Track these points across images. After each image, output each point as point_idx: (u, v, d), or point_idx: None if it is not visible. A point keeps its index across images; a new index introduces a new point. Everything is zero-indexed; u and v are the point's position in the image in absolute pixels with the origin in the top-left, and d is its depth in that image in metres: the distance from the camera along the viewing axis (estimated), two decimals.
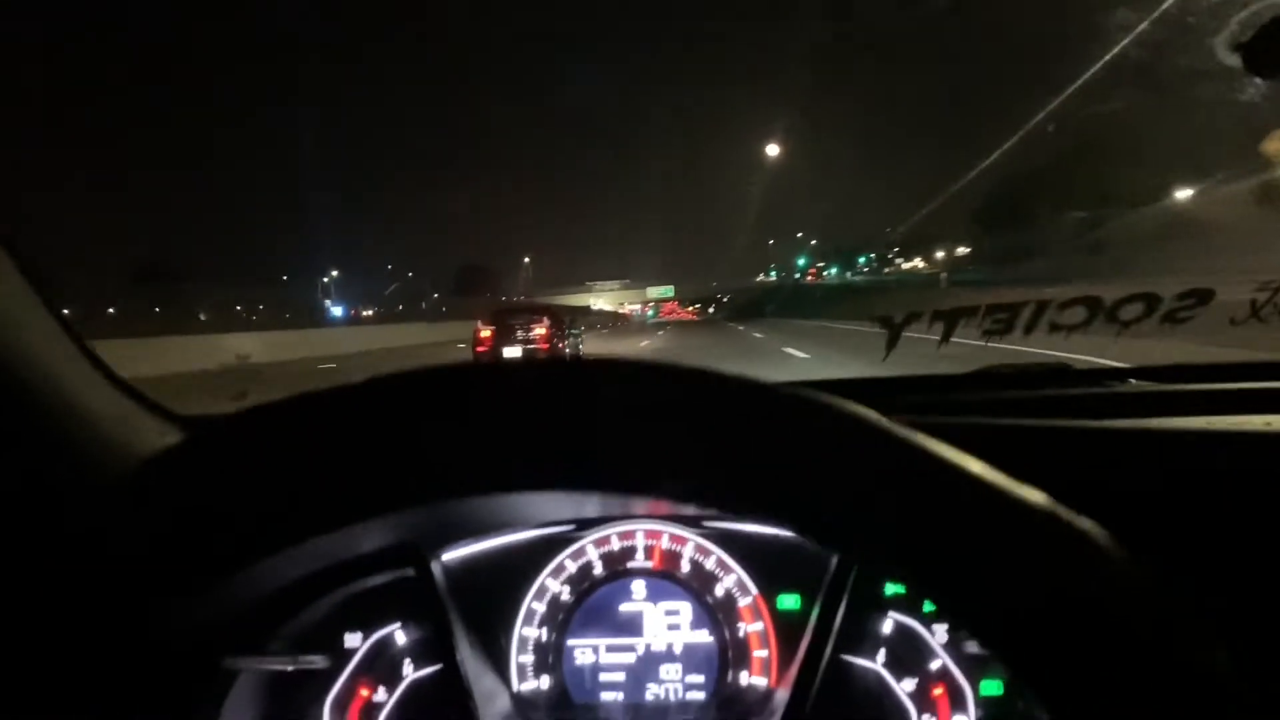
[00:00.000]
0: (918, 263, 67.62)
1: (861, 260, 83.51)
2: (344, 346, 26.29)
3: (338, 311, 67.71)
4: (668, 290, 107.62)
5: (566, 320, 16.14)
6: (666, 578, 0.98)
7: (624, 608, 0.98)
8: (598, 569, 0.98)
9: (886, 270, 73.59)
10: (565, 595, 0.98)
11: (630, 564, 0.98)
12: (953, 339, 1.34)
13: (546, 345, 13.92)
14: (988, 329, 1.30)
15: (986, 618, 0.44)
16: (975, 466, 0.47)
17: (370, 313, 72.05)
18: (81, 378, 0.80)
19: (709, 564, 0.97)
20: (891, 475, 0.47)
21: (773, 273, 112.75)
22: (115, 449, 0.81)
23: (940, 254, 62.45)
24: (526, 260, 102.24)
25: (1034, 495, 0.46)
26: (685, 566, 0.98)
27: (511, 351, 13.40)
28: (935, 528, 0.46)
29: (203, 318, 47.04)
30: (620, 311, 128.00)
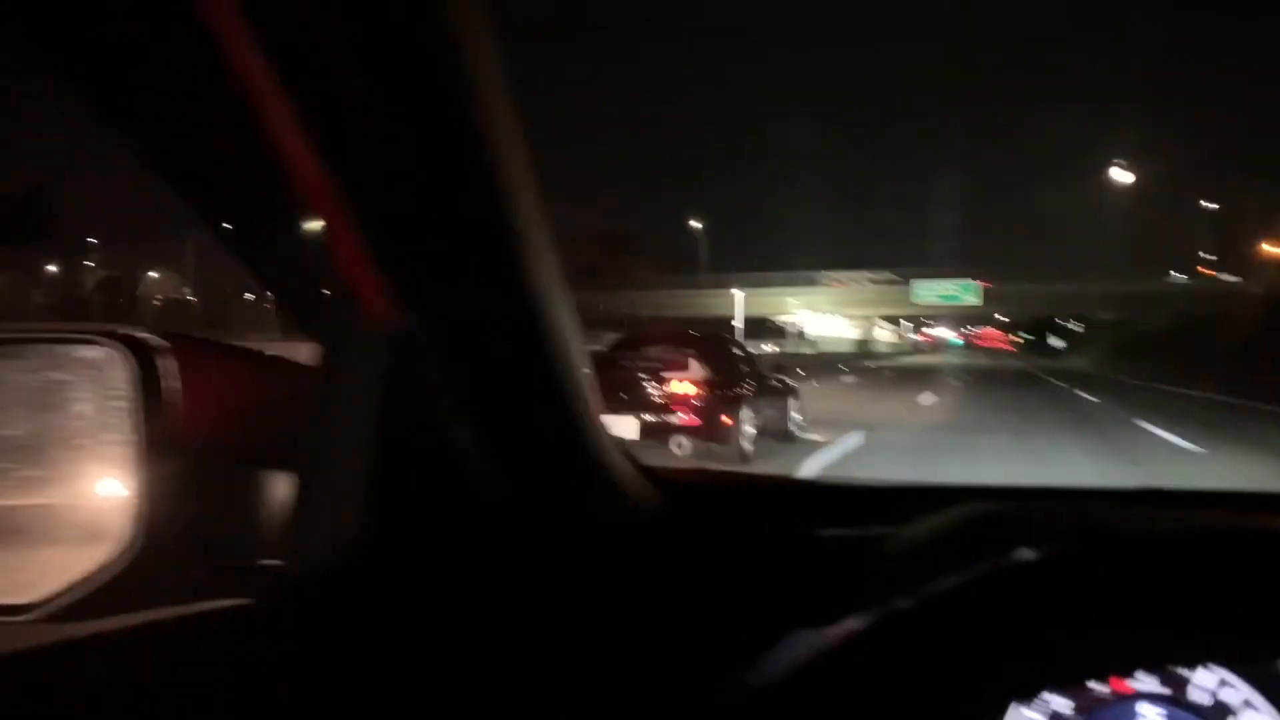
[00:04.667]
0: None
1: None
2: None
3: None
4: (962, 290, 47.65)
5: (747, 362, 8.39)
6: (1178, 704, 0.85)
7: None
8: (1102, 688, 0.87)
9: None
10: (1067, 710, 0.85)
11: (1136, 685, 0.86)
12: None
13: (699, 421, 7.12)
14: None
15: None
16: None
17: None
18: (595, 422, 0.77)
19: (1227, 696, 0.83)
20: None
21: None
22: (616, 508, 0.80)
23: None
24: (697, 226, 51.66)
25: None
26: (1199, 696, 0.83)
27: (624, 425, 6.97)
28: None
29: None
30: (886, 336, 71.68)
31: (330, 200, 0.58)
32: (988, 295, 47.56)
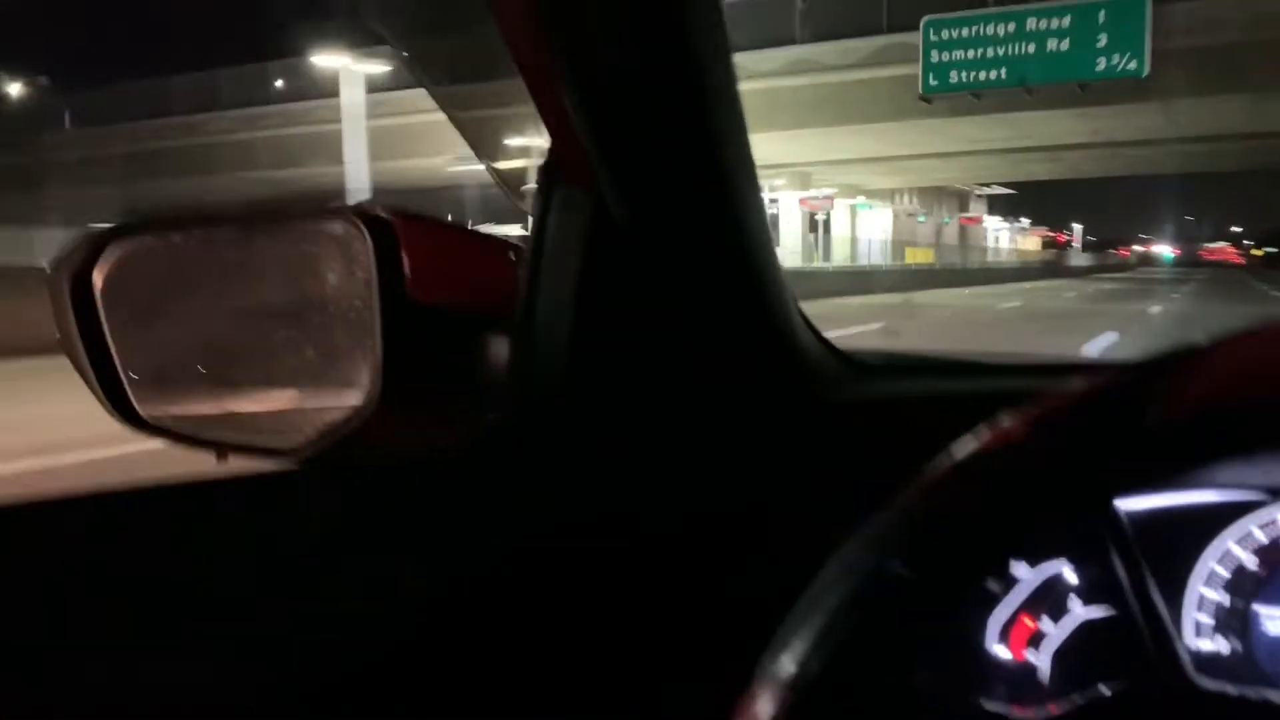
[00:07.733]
0: None
1: None
2: None
3: None
4: (1093, 33, 15.26)
5: None
6: None
7: None
8: None
9: None
10: (1253, 565, 0.87)
11: None
12: None
13: None
14: None
15: None
16: None
17: None
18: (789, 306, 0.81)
19: None
20: None
21: None
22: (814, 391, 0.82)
23: None
24: None
25: None
26: None
27: None
28: None
29: None
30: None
31: (542, 69, 0.62)
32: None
